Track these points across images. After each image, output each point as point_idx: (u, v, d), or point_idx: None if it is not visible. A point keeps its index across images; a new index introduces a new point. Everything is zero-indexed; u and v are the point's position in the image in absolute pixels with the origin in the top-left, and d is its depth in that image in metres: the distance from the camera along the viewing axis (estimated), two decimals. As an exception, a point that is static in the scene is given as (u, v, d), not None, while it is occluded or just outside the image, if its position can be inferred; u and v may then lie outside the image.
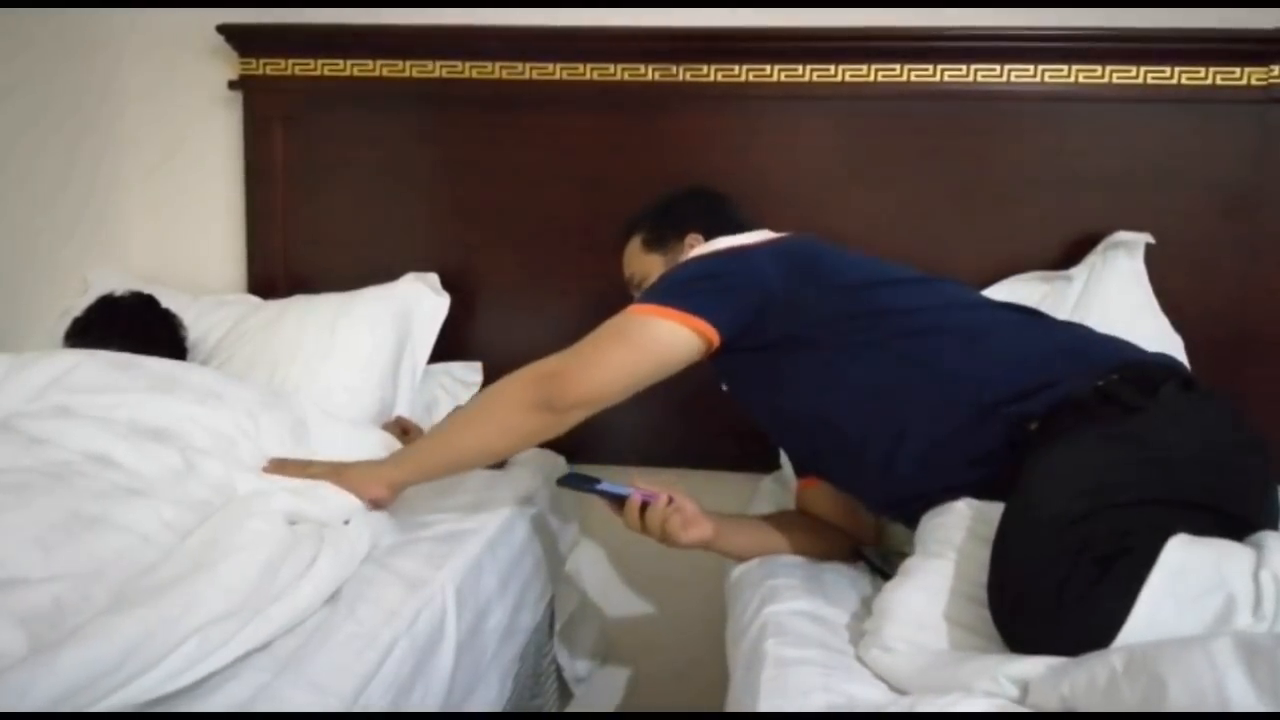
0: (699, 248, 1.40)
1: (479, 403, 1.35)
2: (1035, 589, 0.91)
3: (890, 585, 1.08)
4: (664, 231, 1.52)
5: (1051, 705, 0.84)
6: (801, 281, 1.27)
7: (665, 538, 1.28)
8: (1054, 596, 0.89)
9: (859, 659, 1.04)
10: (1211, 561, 0.89)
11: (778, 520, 1.48)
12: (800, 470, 1.49)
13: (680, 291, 1.27)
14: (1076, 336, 1.25)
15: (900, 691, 0.98)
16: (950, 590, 1.02)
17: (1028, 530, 0.95)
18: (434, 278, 1.87)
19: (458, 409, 1.34)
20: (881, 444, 1.21)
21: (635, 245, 1.55)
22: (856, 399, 1.23)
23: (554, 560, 1.78)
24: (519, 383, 1.28)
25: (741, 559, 1.42)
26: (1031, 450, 1.04)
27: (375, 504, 1.31)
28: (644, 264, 1.52)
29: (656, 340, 1.26)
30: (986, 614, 0.96)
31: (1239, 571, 0.87)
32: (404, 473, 1.33)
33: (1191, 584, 0.87)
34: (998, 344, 1.20)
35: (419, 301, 1.80)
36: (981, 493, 1.09)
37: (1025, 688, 0.87)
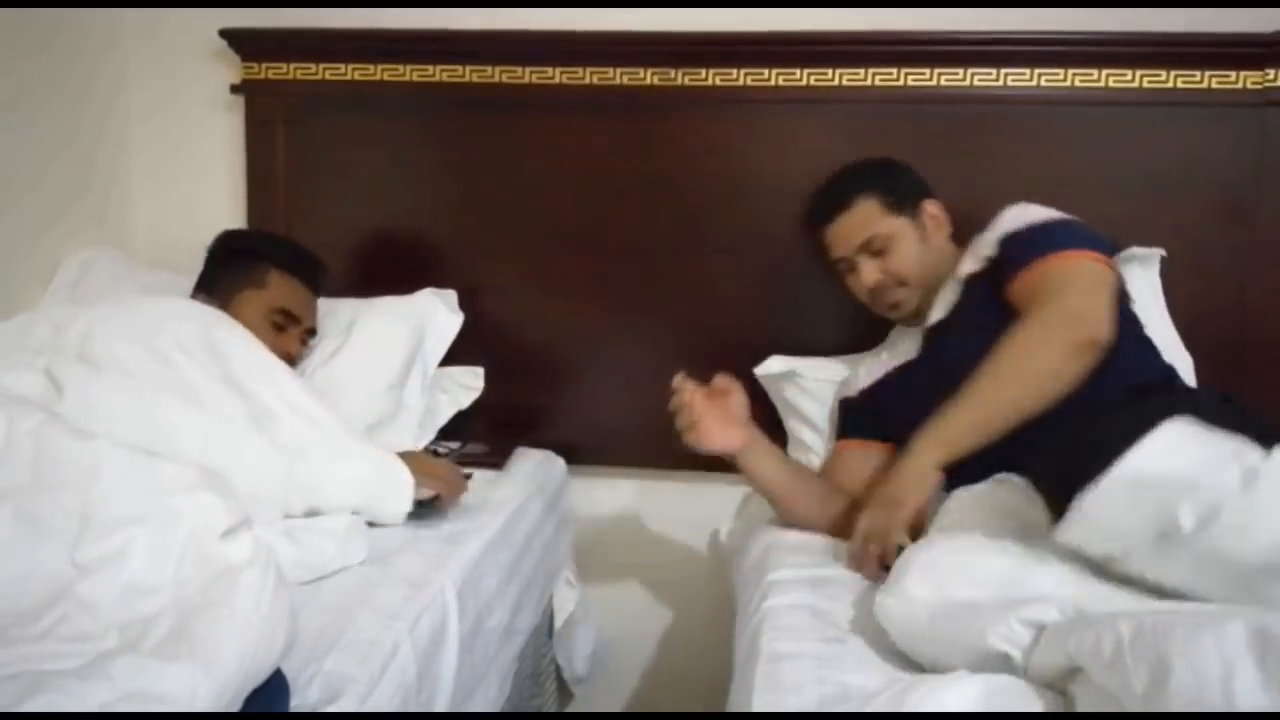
0: (1023, 211, 1.47)
1: (1017, 356, 1.28)
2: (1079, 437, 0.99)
3: (915, 545, 1.10)
4: (903, 196, 1.56)
5: (1059, 663, 0.84)
6: None
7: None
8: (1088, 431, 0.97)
9: (875, 610, 1.04)
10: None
11: (806, 474, 1.52)
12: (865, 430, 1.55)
13: (1093, 239, 1.38)
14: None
15: (910, 646, 1.00)
16: (977, 547, 1.02)
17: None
18: (451, 295, 1.87)
19: (984, 367, 1.29)
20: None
21: (874, 208, 1.54)
22: None
23: (553, 561, 1.79)
24: (1058, 329, 1.27)
25: (763, 488, 1.44)
26: None
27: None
28: (890, 226, 1.53)
29: (1113, 281, 1.35)
30: (1009, 567, 0.97)
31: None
32: (956, 450, 1.28)
33: (1214, 438, 0.92)
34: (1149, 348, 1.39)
35: (434, 316, 1.82)
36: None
37: (1038, 634, 0.88)
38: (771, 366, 1.78)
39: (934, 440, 1.28)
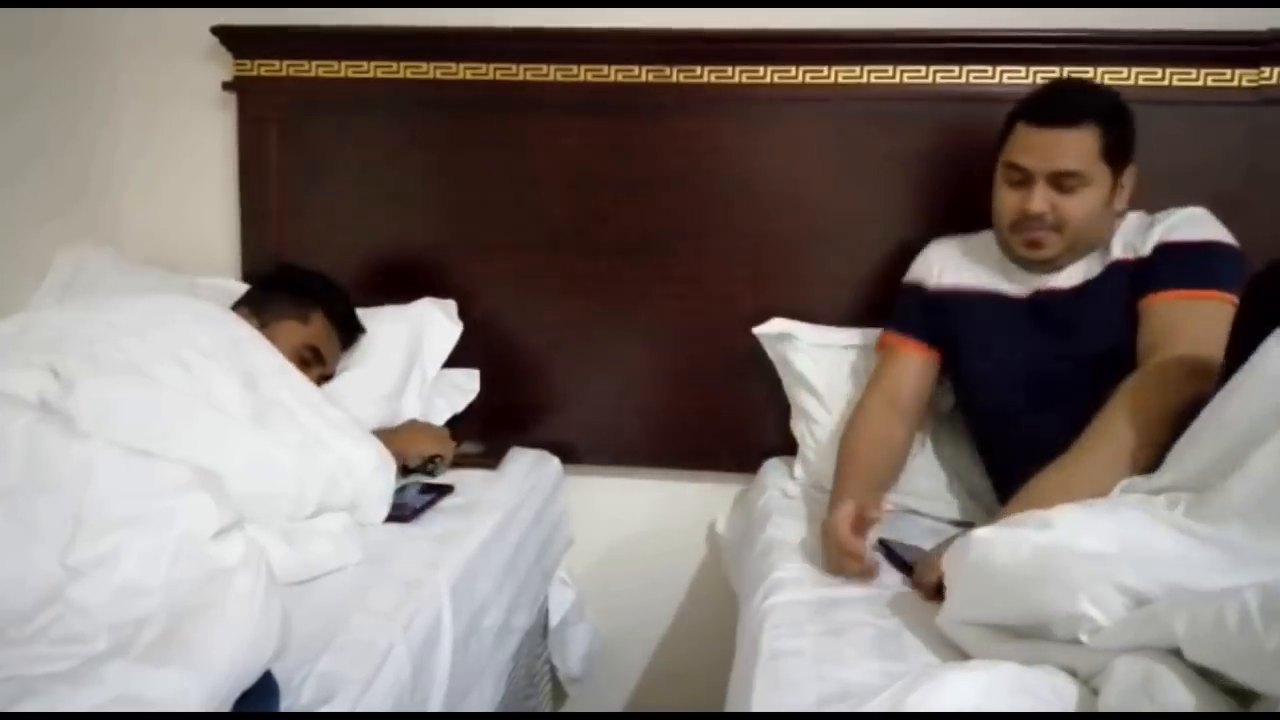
0: (1195, 221, 1.42)
1: (1122, 429, 1.24)
2: None
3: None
4: (1121, 149, 1.41)
5: (1145, 639, 0.81)
6: None
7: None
8: None
9: (968, 542, 1.03)
10: None
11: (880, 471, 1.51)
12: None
13: (1235, 272, 1.34)
14: None
15: (989, 589, 0.98)
16: (1076, 527, 0.99)
17: None
18: (451, 304, 1.88)
19: (1091, 436, 1.26)
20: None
21: (1096, 142, 1.38)
22: None
23: (548, 561, 1.78)
24: (1168, 392, 1.24)
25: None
26: None
27: None
28: (1095, 171, 1.38)
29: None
30: (1133, 530, 0.95)
31: None
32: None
33: None
34: None
35: (433, 325, 1.83)
36: None
37: (1134, 602, 0.85)
38: (771, 327, 1.77)
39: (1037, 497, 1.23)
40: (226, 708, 0.82)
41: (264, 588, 0.89)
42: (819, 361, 1.73)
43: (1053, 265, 1.46)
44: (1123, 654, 0.83)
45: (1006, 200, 1.45)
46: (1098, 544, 0.94)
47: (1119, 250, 1.44)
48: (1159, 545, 0.94)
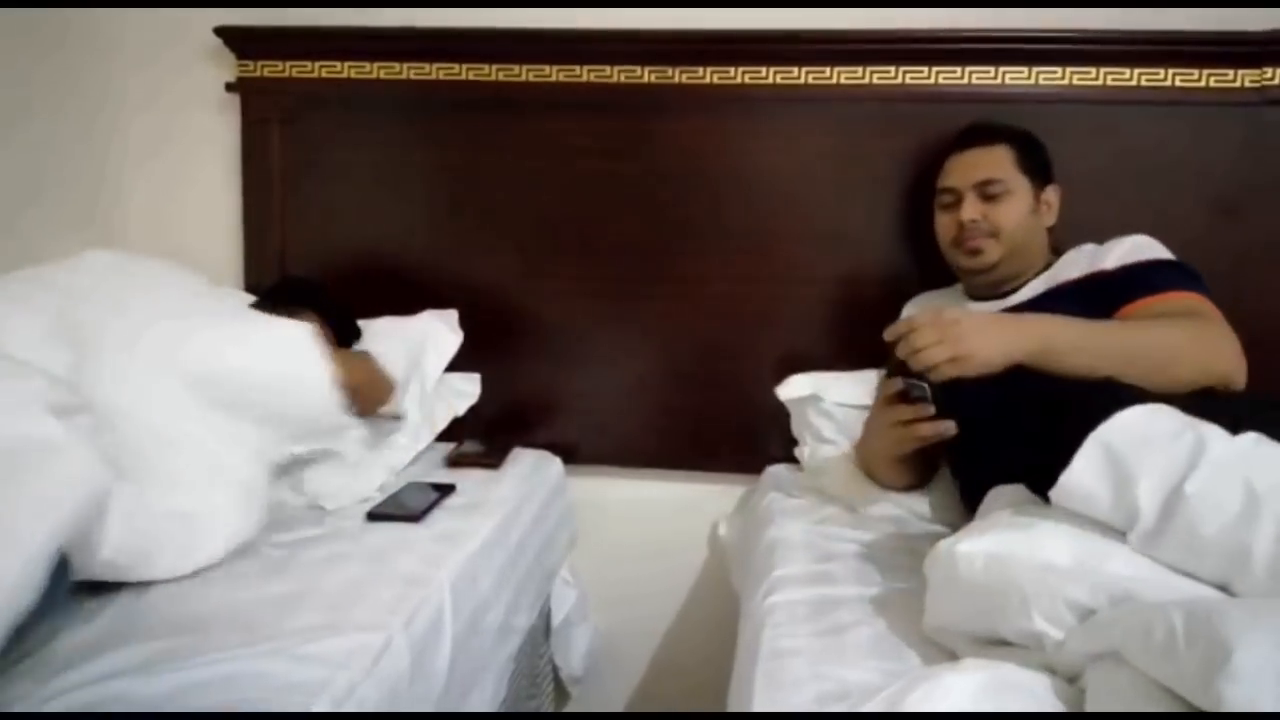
0: (1152, 245, 1.48)
1: (1169, 335, 1.26)
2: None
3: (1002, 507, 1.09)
4: (1037, 163, 1.58)
5: (1095, 649, 0.83)
6: None
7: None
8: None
9: (936, 553, 1.03)
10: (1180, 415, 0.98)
11: None
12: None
13: (1205, 286, 1.40)
14: None
15: (952, 603, 0.99)
16: (1034, 532, 0.99)
17: None
18: (452, 315, 1.88)
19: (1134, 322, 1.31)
20: None
21: (1010, 156, 1.56)
22: None
23: (550, 561, 1.79)
24: (1215, 349, 1.28)
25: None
26: None
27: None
28: (1014, 181, 1.55)
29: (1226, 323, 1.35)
30: (1087, 540, 0.95)
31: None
32: (1054, 350, 1.20)
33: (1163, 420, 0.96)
34: None
35: (434, 336, 1.83)
36: None
37: (1082, 616, 0.87)
38: (798, 389, 1.75)
39: (1046, 326, 1.22)
40: (43, 582, 0.81)
41: (82, 461, 0.87)
42: (834, 418, 1.72)
43: (995, 276, 1.55)
44: (1091, 659, 0.83)
45: (943, 221, 1.61)
46: (1050, 553, 0.94)
47: (1072, 272, 1.49)
48: (1112, 554, 0.94)
